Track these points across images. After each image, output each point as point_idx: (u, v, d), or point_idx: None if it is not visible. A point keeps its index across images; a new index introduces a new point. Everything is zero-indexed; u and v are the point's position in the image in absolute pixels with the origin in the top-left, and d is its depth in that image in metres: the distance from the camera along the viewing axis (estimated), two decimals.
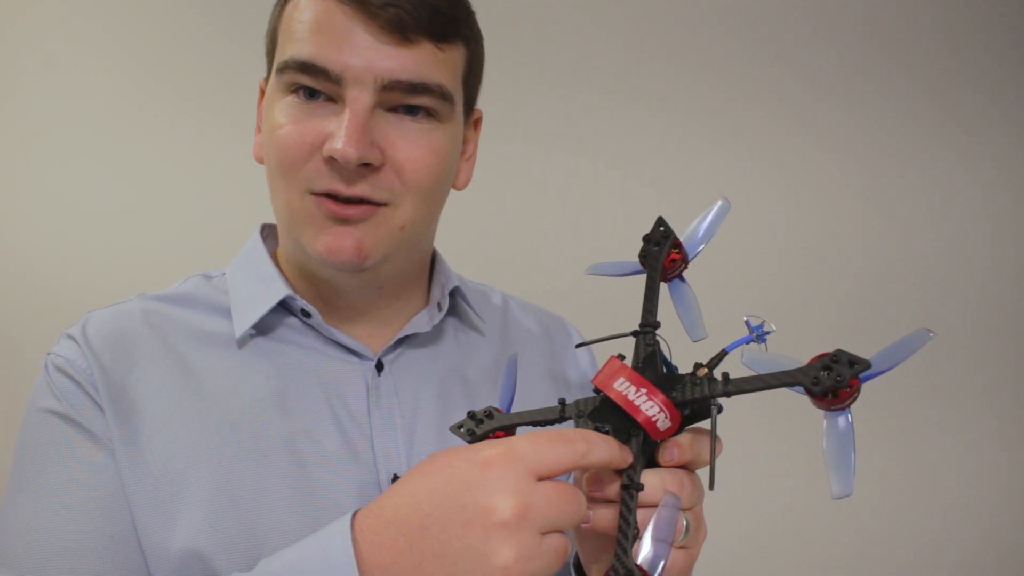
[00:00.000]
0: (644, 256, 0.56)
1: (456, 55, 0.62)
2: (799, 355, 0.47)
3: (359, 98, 0.57)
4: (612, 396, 0.47)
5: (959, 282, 1.68)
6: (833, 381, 0.44)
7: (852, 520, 1.62)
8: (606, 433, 0.49)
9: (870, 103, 1.66)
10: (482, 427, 0.55)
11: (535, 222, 1.61)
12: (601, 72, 1.62)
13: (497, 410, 0.55)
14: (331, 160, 0.58)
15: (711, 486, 0.47)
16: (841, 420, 0.45)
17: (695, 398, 0.47)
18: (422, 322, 0.69)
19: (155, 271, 1.45)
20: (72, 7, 1.53)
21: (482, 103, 0.71)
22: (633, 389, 0.47)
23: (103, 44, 1.54)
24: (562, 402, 0.53)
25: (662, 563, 0.44)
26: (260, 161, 0.66)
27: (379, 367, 0.66)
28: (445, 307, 0.71)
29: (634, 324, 0.53)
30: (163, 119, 1.55)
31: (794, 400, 0.49)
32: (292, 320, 0.66)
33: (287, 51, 0.59)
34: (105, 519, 0.57)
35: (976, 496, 1.66)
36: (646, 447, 0.48)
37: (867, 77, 1.66)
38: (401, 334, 0.68)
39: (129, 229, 1.54)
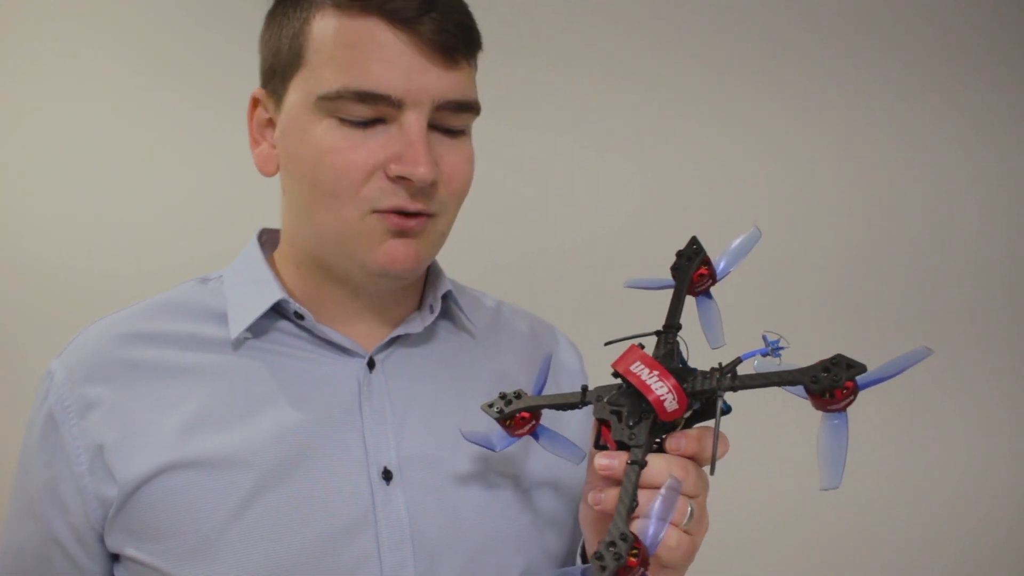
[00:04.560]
0: (675, 268, 0.61)
1: (473, 67, 0.68)
2: (794, 341, 0.51)
3: (419, 120, 0.61)
4: (627, 376, 0.52)
5: (953, 266, 1.68)
6: (830, 382, 0.48)
7: (851, 508, 1.62)
8: (620, 414, 0.54)
9: (868, 89, 1.67)
10: (510, 407, 0.60)
11: (528, 219, 1.61)
12: (605, 66, 1.64)
13: (524, 393, 0.61)
14: (399, 179, 0.62)
15: (711, 471, 0.51)
16: (837, 421, 0.49)
17: (703, 389, 0.52)
18: (414, 323, 0.72)
19: (157, 272, 1.47)
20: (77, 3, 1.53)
21: (489, 98, 0.74)
22: (647, 371, 0.52)
23: (108, 37, 1.53)
24: (584, 388, 0.58)
25: (658, 535, 0.48)
26: (268, 175, 0.69)
27: (371, 365, 0.69)
28: (437, 310, 0.73)
29: (633, 327, 0.59)
30: (166, 117, 1.54)
31: (796, 405, 0.53)
32: (285, 323, 0.69)
33: (336, 79, 0.60)
34: None
35: (978, 479, 1.65)
36: (655, 430, 0.53)
37: (860, 61, 1.67)
38: (394, 334, 0.70)
39: (131, 228, 1.53)
